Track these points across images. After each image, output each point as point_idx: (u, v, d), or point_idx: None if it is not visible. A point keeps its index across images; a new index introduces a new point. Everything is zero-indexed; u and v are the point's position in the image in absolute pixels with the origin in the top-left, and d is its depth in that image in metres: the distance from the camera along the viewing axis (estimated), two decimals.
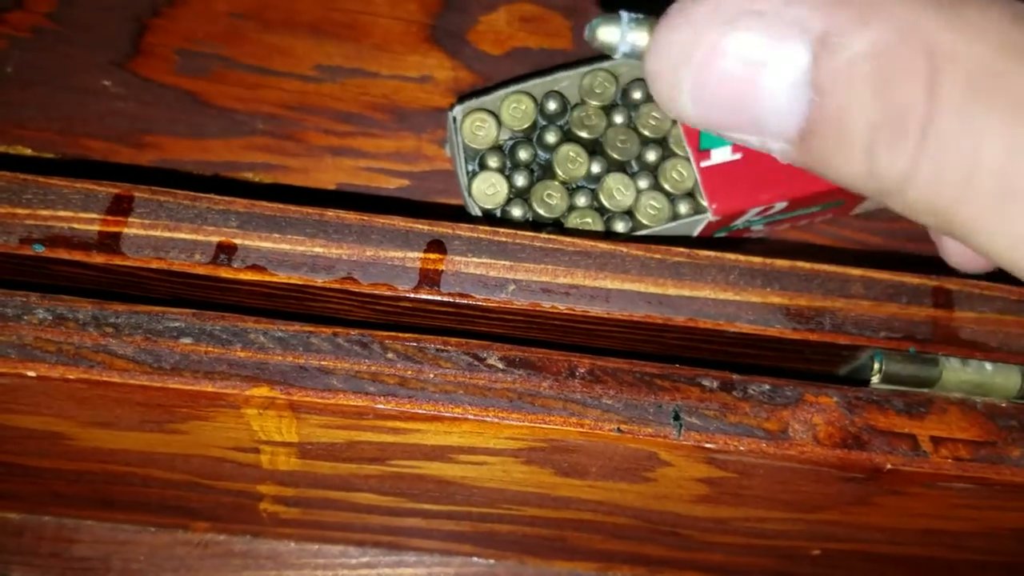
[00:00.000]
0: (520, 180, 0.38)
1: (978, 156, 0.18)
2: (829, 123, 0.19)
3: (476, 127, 0.38)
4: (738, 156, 0.38)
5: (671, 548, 0.41)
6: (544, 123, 0.39)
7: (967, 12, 0.19)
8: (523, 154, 0.38)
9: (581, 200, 0.38)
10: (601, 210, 0.38)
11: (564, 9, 0.45)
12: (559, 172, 0.38)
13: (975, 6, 0.19)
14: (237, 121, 0.43)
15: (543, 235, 0.32)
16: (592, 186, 0.38)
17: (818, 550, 0.40)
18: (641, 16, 0.22)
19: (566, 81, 0.39)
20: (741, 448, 0.30)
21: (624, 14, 0.21)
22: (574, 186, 0.38)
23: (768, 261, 0.32)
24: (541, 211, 0.38)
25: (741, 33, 0.19)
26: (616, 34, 0.21)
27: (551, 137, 0.38)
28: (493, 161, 0.38)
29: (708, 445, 0.30)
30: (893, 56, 0.18)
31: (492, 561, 0.43)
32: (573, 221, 0.38)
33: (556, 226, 0.38)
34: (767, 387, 0.31)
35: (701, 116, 0.21)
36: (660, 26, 0.20)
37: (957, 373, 0.32)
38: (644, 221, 0.38)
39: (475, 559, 0.42)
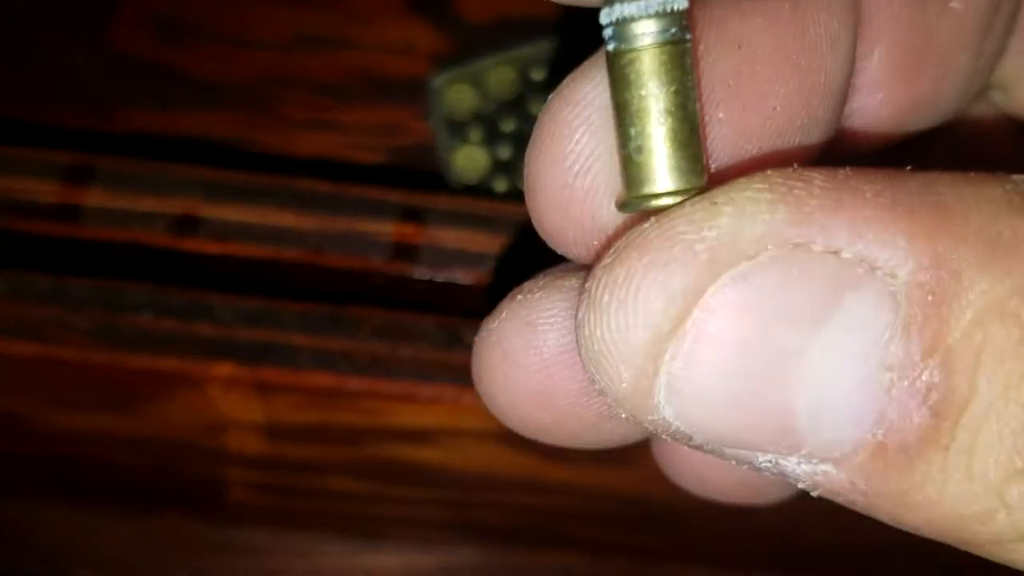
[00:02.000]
0: (504, 152, 0.37)
1: None
2: (937, 427, 0.12)
3: (458, 97, 0.37)
4: None
5: (663, 536, 0.40)
6: (529, 93, 0.38)
7: None
8: (507, 125, 0.37)
9: None
10: None
11: None
12: None
13: None
14: (212, 93, 0.41)
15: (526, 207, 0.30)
16: None
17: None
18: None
19: (552, 50, 0.38)
20: None
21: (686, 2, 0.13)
22: None
23: None
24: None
25: (761, 279, 0.12)
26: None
27: (536, 107, 0.37)
28: (476, 132, 0.37)
29: None
30: None
31: (476, 550, 0.42)
32: None
33: None
34: None
35: (682, 421, 0.13)
36: (605, 265, 0.13)
37: None
38: None
39: (458, 548, 0.41)
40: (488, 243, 0.30)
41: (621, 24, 0.13)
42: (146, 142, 0.40)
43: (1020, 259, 0.11)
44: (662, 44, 0.13)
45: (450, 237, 0.30)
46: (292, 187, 0.30)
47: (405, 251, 0.30)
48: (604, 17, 0.13)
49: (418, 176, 0.39)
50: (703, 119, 0.14)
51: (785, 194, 0.12)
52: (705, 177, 0.13)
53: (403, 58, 0.42)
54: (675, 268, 0.12)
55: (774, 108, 0.14)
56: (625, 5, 0.13)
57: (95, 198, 0.30)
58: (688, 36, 0.13)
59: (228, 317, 0.29)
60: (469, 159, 0.37)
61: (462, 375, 0.29)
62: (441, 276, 0.30)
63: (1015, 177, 0.12)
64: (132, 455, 0.36)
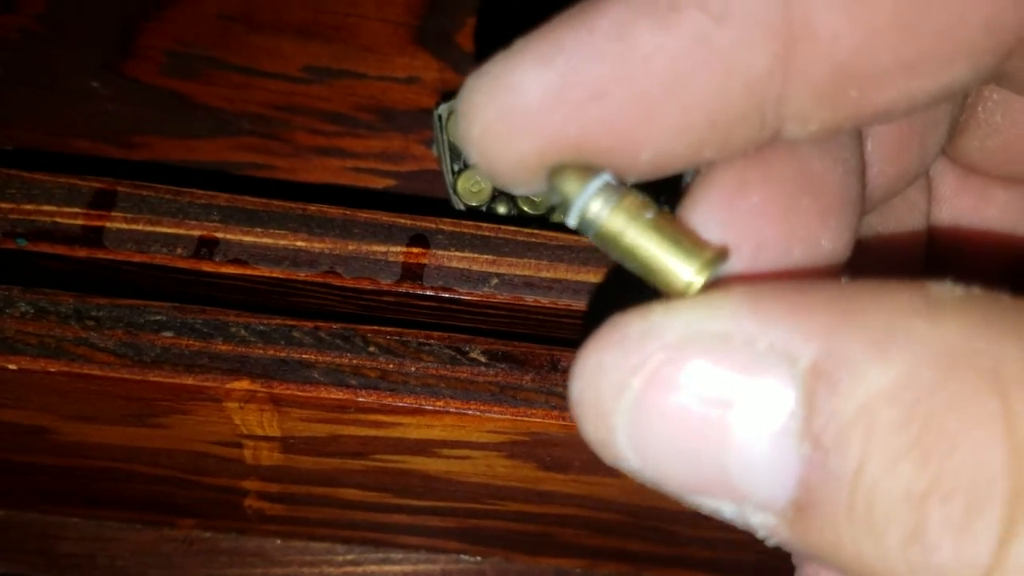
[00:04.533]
0: None
1: None
2: (838, 492, 0.13)
3: None
4: None
5: (657, 544, 0.41)
6: None
7: None
8: None
9: None
10: None
11: None
12: None
13: None
14: (225, 121, 0.43)
15: (526, 229, 0.32)
16: None
17: None
18: (619, 189, 0.15)
19: None
20: None
21: (606, 176, 0.15)
22: None
23: None
24: (526, 208, 0.38)
25: (696, 361, 0.14)
26: (578, 193, 0.15)
27: None
28: None
29: None
30: (938, 392, 0.13)
31: (478, 558, 0.43)
32: (558, 217, 0.38)
33: (541, 222, 0.38)
34: None
35: (647, 470, 0.15)
36: (587, 343, 0.15)
37: None
38: None
39: (462, 556, 0.42)
40: (491, 264, 0.31)
41: (580, 221, 0.15)
42: (163, 168, 0.42)
43: (907, 353, 0.13)
44: (612, 215, 0.15)
45: (455, 258, 0.31)
46: (305, 212, 0.31)
47: (412, 272, 0.31)
48: (570, 223, 0.16)
49: (424, 200, 0.40)
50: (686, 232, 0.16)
51: (707, 300, 0.15)
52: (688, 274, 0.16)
53: (409, 88, 0.43)
54: (613, 351, 0.15)
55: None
56: (571, 215, 0.15)
57: (117, 223, 0.32)
58: (626, 189, 0.15)
59: (244, 335, 0.31)
60: (472, 184, 0.38)
61: (466, 390, 0.31)
62: (446, 295, 0.31)
63: (931, 285, 0.14)
64: (151, 467, 0.37)
